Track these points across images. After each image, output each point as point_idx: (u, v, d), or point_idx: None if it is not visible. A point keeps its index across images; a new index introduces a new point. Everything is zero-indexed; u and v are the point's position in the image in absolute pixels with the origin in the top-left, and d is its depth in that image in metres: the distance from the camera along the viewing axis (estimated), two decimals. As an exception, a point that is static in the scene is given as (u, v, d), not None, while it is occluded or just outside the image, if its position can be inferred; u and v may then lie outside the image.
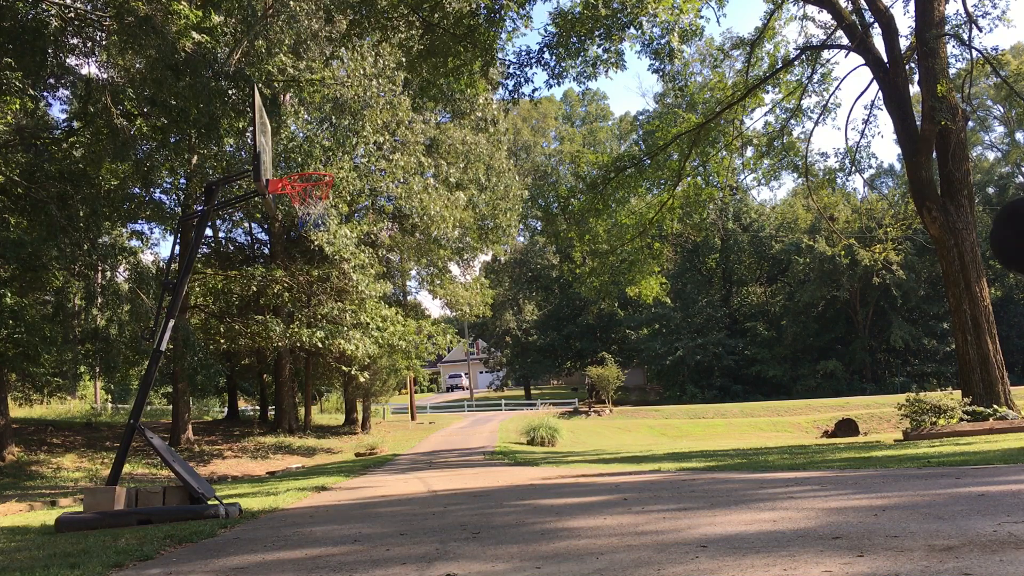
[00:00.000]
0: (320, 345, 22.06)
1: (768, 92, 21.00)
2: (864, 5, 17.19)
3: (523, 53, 16.90)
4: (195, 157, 19.42)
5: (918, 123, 15.90)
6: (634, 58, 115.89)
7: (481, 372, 73.00)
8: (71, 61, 15.97)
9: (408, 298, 36.87)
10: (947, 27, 16.25)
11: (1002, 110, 54.48)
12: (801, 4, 19.72)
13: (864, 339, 55.44)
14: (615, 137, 67.24)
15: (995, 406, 13.87)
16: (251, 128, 8.63)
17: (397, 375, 33.15)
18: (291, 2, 17.78)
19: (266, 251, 29.92)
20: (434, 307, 77.40)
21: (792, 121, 21.16)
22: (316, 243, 21.20)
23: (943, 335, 52.65)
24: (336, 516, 5.71)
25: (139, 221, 22.87)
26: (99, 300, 18.69)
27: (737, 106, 19.94)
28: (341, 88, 20.73)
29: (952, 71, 16.68)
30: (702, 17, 16.64)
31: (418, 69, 16.40)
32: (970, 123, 25.68)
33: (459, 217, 26.72)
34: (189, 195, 21.51)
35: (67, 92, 17.49)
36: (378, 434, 30.20)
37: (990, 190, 58.50)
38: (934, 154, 15.88)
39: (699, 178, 21.56)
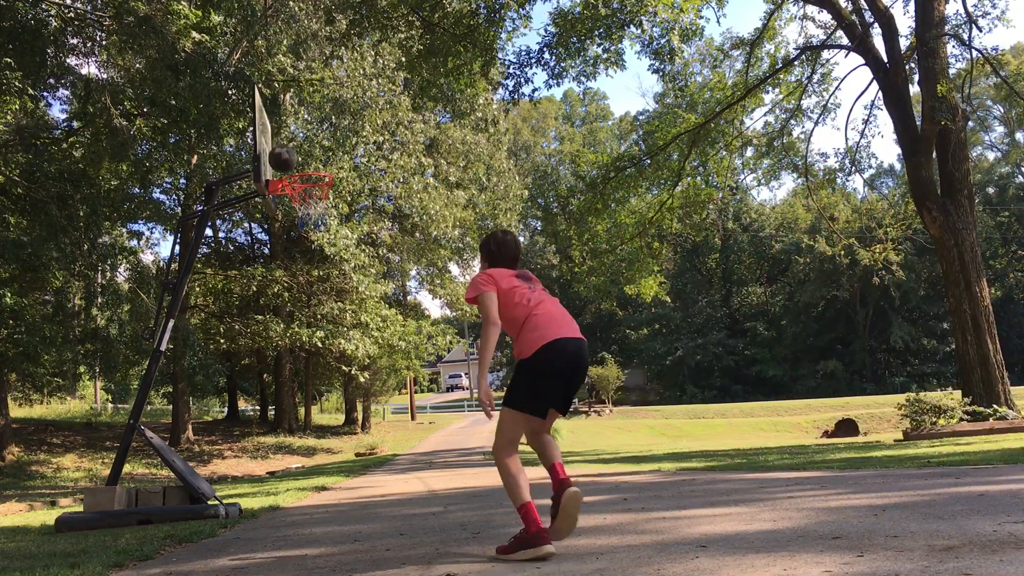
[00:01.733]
0: (320, 345, 22.06)
1: (768, 92, 21.00)
2: (864, 5, 17.18)
3: (523, 53, 16.89)
4: (195, 157, 19.41)
5: (918, 123, 15.89)
6: (634, 58, 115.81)
7: (481, 372, 72.84)
8: (71, 61, 15.97)
9: (408, 298, 36.87)
10: (947, 27, 16.23)
11: (1002, 110, 54.41)
12: (801, 4, 19.72)
13: (864, 339, 55.43)
14: (615, 137, 67.25)
15: (995, 406, 13.86)
16: (251, 128, 8.63)
17: (397, 375, 33.17)
18: (291, 2, 17.79)
19: (266, 251, 29.92)
20: (434, 307, 77.37)
21: (792, 121, 21.15)
22: (316, 243, 21.20)
23: (943, 335, 52.64)
24: (336, 516, 5.71)
25: (139, 221, 22.89)
26: (99, 300, 18.69)
27: (737, 106, 19.93)
28: (341, 88, 20.73)
29: (952, 71, 16.66)
30: (702, 17, 16.61)
31: (418, 69, 16.40)
32: (970, 123, 25.65)
33: (459, 217, 26.72)
34: (189, 195, 21.50)
35: (67, 92, 17.49)
36: (378, 434, 30.20)
37: (990, 190, 58.50)
38: (934, 154, 15.87)
39: (699, 178, 21.55)
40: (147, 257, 28.33)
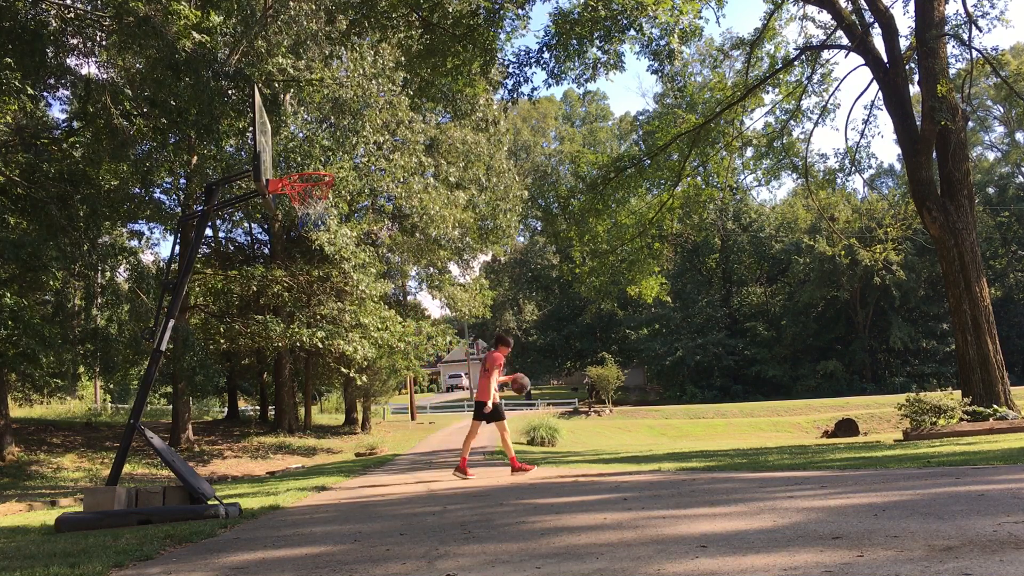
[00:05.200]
0: (320, 345, 22.06)
1: (768, 92, 21.00)
2: (864, 5, 17.18)
3: (522, 53, 16.89)
4: (195, 157, 19.41)
5: (918, 123, 15.89)
6: (634, 58, 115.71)
7: (481, 372, 72.83)
8: (71, 61, 15.96)
9: (408, 298, 36.86)
10: (947, 27, 16.23)
11: (1002, 110, 54.50)
12: (801, 4, 19.72)
13: (864, 339, 55.43)
14: (615, 137, 67.29)
15: (995, 406, 13.86)
16: (251, 128, 8.63)
17: (397, 376, 33.14)
18: (291, 2, 17.79)
19: (266, 251, 29.91)
20: (434, 307, 77.33)
21: (792, 121, 21.14)
22: (316, 243, 21.20)
23: (943, 335, 52.65)
24: (336, 516, 5.71)
25: (139, 221, 22.89)
26: (99, 300, 18.69)
27: (737, 106, 19.93)
28: (341, 88, 20.72)
29: (952, 71, 16.66)
30: (701, 18, 16.61)
31: (417, 69, 16.38)
32: (970, 123, 25.64)
33: (459, 217, 26.71)
34: (189, 195, 21.50)
35: (67, 92, 17.48)
36: (378, 434, 30.19)
37: (990, 190, 58.51)
38: (934, 154, 15.87)
39: (699, 178, 21.55)
40: (147, 257, 28.33)
